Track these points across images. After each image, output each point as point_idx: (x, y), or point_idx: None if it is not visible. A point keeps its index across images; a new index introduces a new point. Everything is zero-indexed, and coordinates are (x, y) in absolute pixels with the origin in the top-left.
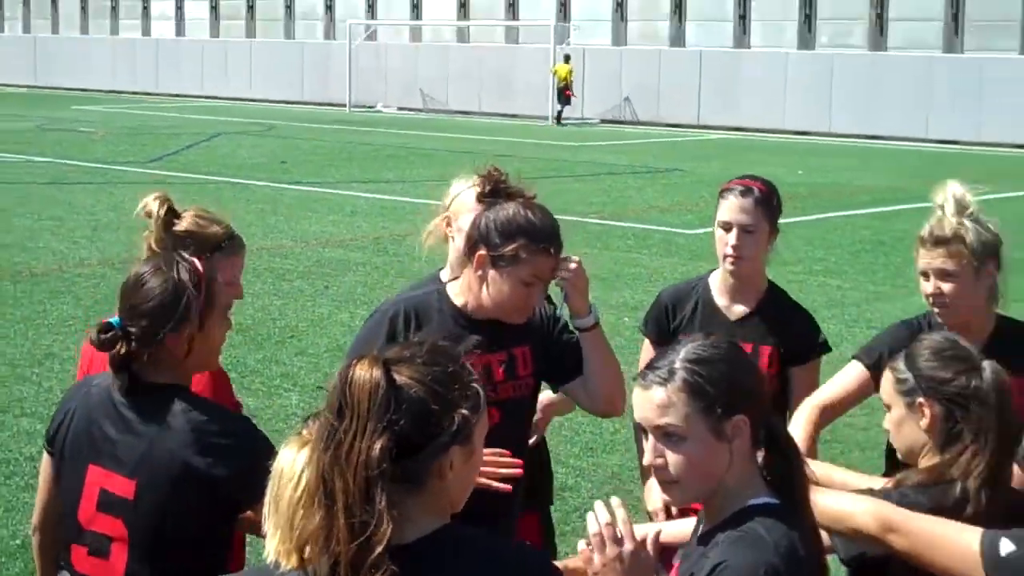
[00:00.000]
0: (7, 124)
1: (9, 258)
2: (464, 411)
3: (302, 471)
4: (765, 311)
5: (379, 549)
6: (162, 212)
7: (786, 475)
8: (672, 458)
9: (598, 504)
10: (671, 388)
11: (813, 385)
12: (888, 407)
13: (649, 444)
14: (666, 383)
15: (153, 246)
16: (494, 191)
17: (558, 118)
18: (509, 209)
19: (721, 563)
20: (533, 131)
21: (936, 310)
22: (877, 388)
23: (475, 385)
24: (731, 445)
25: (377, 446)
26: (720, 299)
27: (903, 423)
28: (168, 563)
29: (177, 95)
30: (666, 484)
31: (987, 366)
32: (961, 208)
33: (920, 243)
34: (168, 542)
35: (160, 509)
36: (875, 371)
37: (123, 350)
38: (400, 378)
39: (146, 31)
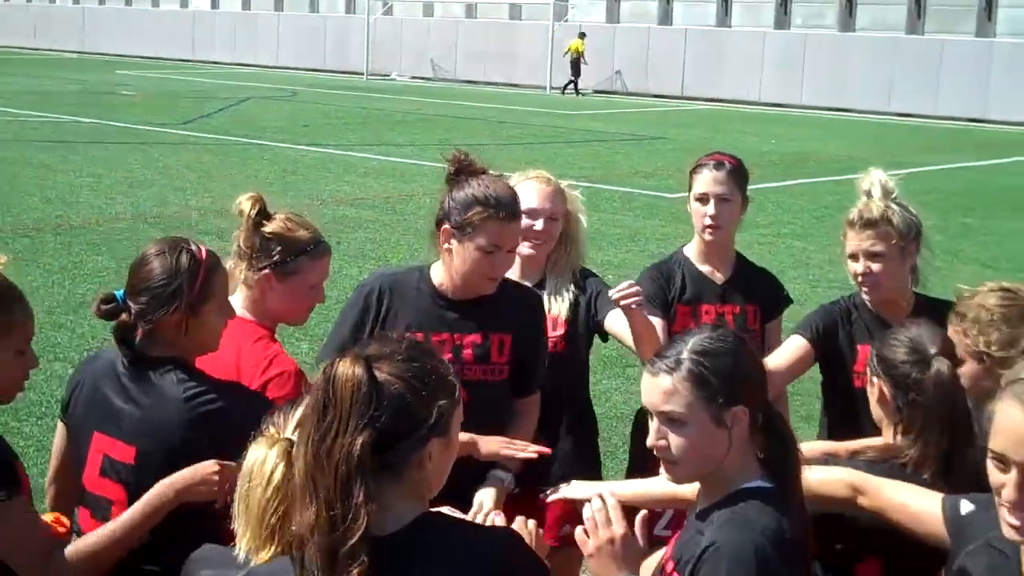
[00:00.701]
0: (57, 87)
1: (51, 212)
2: (441, 403)
3: (272, 470)
4: (741, 274)
5: (353, 540)
6: (253, 213)
7: (780, 460)
8: (674, 440)
9: (595, 497)
10: (677, 377)
11: (779, 336)
12: None
13: (654, 426)
14: (672, 372)
15: (242, 244)
16: (459, 171)
17: (572, 88)
18: (469, 185)
19: (712, 545)
20: (532, 99)
21: (865, 289)
22: (815, 359)
23: (451, 379)
24: (730, 432)
25: (359, 441)
26: (703, 267)
27: (871, 394)
28: (164, 526)
29: (211, 62)
30: (667, 463)
31: (936, 363)
32: (887, 192)
33: (849, 226)
34: None
35: (157, 475)
36: (814, 343)
37: (124, 321)
38: (381, 375)
39: (184, 3)
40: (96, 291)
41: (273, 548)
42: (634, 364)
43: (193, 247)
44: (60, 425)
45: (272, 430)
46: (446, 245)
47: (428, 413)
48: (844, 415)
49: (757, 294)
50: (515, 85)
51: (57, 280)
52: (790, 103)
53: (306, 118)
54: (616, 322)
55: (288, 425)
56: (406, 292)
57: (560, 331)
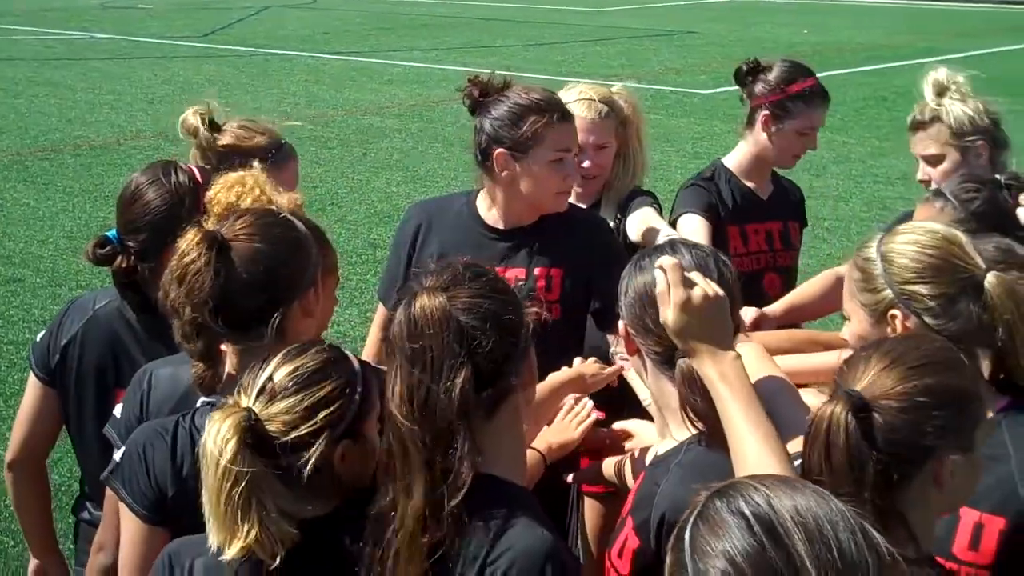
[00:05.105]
0: (72, 2)
1: (71, 132)
2: (527, 314)
3: (222, 448)
4: (779, 188)
5: (455, 501)
6: (204, 127)
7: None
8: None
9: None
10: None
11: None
12: None
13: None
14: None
15: (200, 162)
16: (483, 94)
17: None
18: (505, 100)
19: (669, 507)
20: None
21: None
22: None
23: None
24: None
25: (458, 381)
26: (748, 182)
27: None
28: None
29: None
30: None
31: None
32: (941, 90)
33: (908, 131)
34: None
35: None
36: None
37: (123, 265)
38: (460, 301)
39: None
40: None
41: (240, 542)
42: None
43: (183, 166)
44: (40, 390)
45: (238, 396)
46: (504, 173)
47: (522, 329)
48: None
49: (795, 207)
50: None
51: (78, 203)
52: None
53: (327, 25)
54: (632, 228)
55: (252, 389)
56: (444, 217)
57: None
